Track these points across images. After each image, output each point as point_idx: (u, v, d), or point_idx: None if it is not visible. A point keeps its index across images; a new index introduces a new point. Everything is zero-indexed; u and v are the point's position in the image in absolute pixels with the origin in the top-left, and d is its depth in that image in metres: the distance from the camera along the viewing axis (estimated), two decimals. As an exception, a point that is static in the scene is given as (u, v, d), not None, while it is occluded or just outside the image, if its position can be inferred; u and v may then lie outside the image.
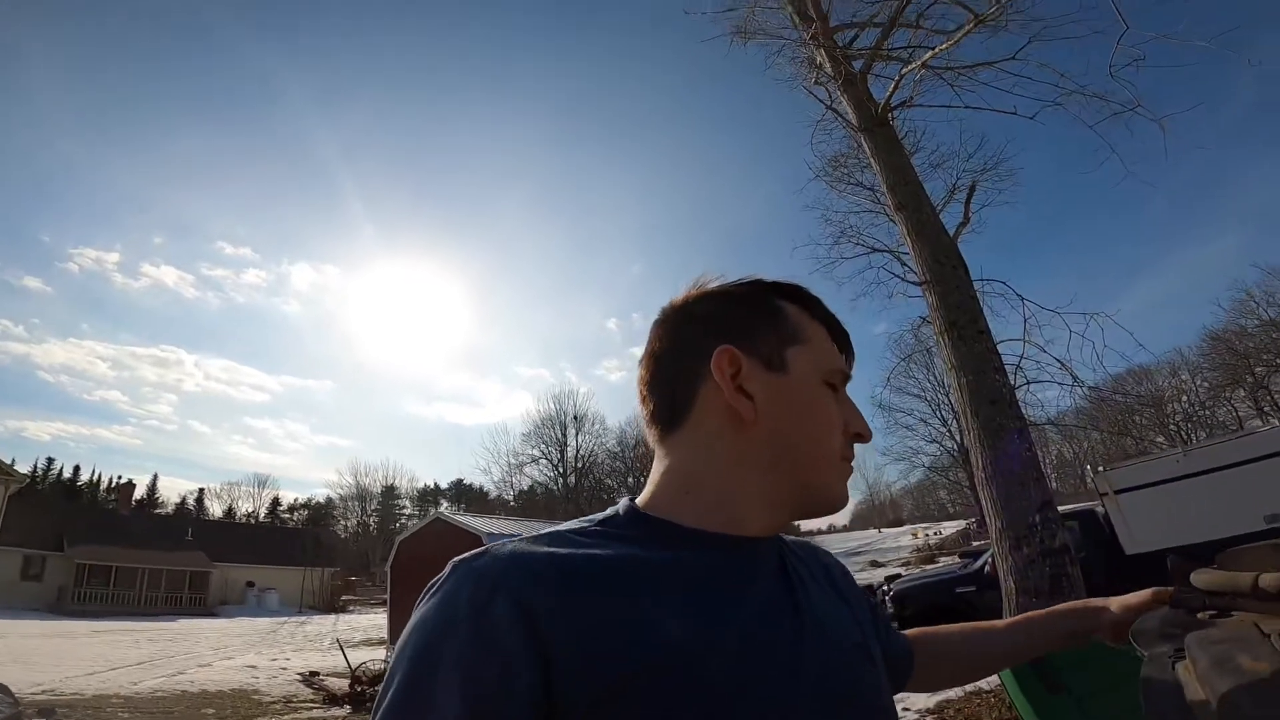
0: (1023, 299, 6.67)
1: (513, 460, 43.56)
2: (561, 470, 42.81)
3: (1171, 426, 36.03)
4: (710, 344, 0.57)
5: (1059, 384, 6.96)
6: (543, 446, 43.04)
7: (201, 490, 60.19)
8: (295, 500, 63.64)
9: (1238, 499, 6.71)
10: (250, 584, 31.09)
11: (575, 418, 43.95)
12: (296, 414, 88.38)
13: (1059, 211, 55.41)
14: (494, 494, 48.74)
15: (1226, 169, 52.80)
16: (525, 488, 45.29)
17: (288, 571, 32.04)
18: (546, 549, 0.48)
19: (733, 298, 0.61)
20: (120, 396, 75.57)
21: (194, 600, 28.01)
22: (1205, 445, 8.02)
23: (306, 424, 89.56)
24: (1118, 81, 5.30)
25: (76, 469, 56.02)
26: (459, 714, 0.40)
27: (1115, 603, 0.75)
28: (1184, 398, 37.08)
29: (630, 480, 46.92)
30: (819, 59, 6.78)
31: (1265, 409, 31.60)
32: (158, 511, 49.52)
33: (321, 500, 61.71)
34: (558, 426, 43.51)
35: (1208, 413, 35.69)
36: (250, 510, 57.86)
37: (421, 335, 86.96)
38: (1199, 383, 36.39)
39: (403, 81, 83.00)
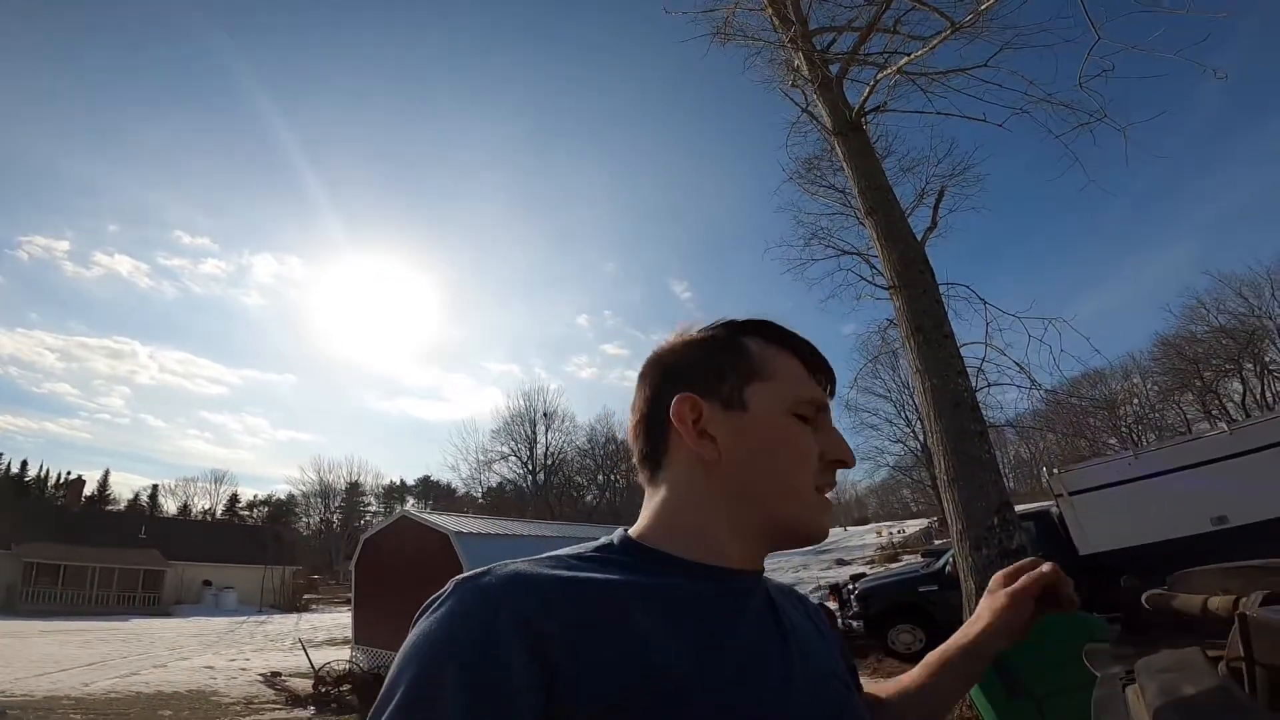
0: (985, 303, 6.89)
1: (481, 457, 43.18)
2: (531, 467, 42.54)
3: (1123, 429, 37.44)
4: (674, 393, 0.61)
5: (1018, 387, 7.21)
6: (512, 443, 42.77)
7: (155, 487, 57.98)
8: (255, 497, 61.91)
9: (1186, 501, 6.96)
10: (207, 583, 30.17)
11: (545, 414, 43.76)
12: (256, 408, 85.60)
13: (1023, 216, 56.76)
14: (462, 491, 48.26)
15: (1184, 178, 54.79)
16: (494, 485, 44.95)
17: (247, 570, 31.19)
18: (549, 571, 0.50)
19: (696, 345, 0.64)
20: (70, 389, 72.14)
21: (148, 599, 27.10)
22: (1155, 448, 8.29)
23: (267, 419, 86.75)
24: (1086, 92, 5.43)
25: (24, 464, 53.30)
26: None
27: (992, 599, 0.74)
28: (1136, 401, 38.57)
29: (600, 478, 46.95)
30: (797, 62, 6.86)
31: (1213, 412, 33.09)
32: (109, 508, 47.62)
33: (282, 497, 60.25)
34: (527, 423, 43.26)
35: (1158, 415, 37.16)
36: (207, 507, 56.14)
37: (388, 329, 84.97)
38: (1150, 386, 37.91)
39: (373, 71, 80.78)
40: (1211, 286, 33.97)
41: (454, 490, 52.17)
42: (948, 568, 7.74)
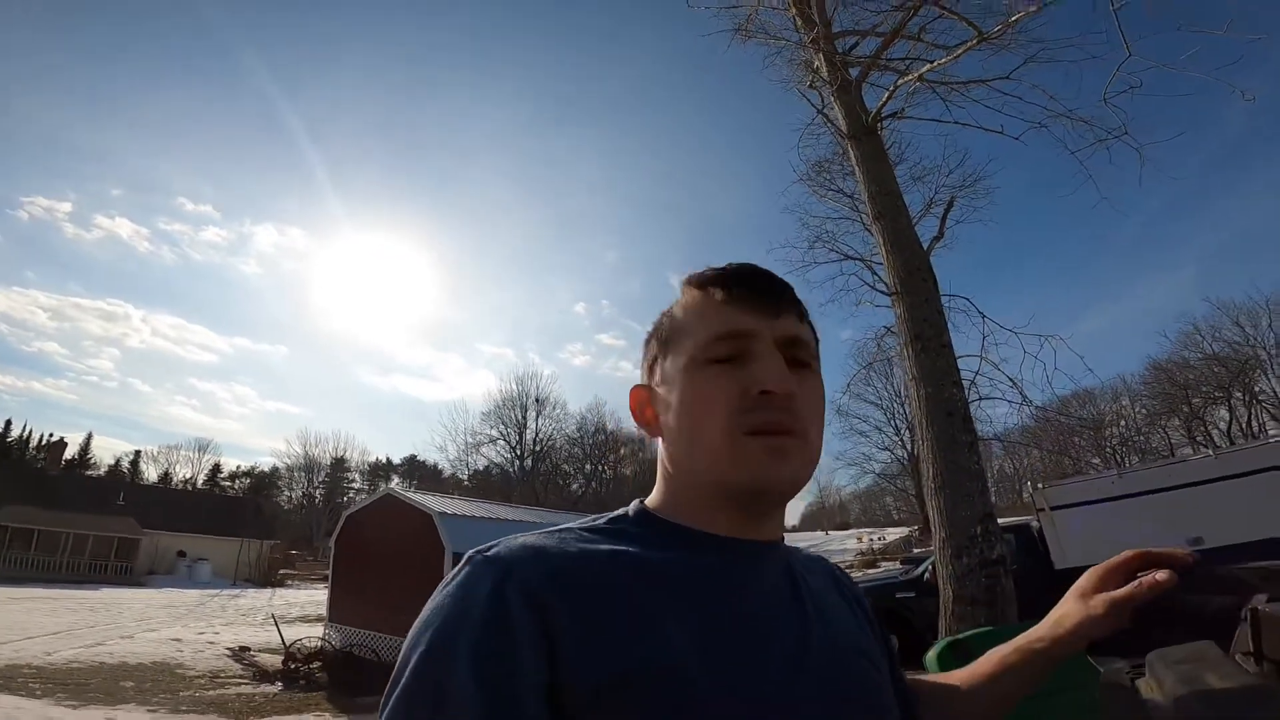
0: (984, 316, 6.86)
1: (470, 439, 43.22)
2: (519, 452, 42.58)
3: (1108, 449, 37.82)
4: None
5: (1009, 401, 7.20)
6: (502, 427, 42.85)
7: (138, 453, 57.34)
8: (238, 468, 61.17)
9: (1164, 522, 7.03)
10: (181, 554, 29.89)
11: (537, 400, 43.85)
12: (246, 378, 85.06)
13: (1029, 230, 57.34)
14: (448, 472, 48.18)
15: (1196, 200, 54.54)
16: (481, 468, 44.90)
17: (223, 542, 30.92)
18: (558, 544, 0.50)
19: (645, 337, 0.65)
20: (59, 349, 71.42)
21: (120, 569, 26.79)
22: (1139, 469, 8.38)
23: (256, 389, 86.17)
24: (1109, 107, 5.35)
25: (8, 424, 52.55)
26: (473, 699, 0.41)
27: (1085, 604, 0.63)
28: (1122, 422, 38.98)
29: (588, 468, 47.00)
30: (817, 63, 6.79)
31: (1198, 438, 33.46)
32: (89, 473, 47.16)
33: (266, 469, 59.66)
34: (519, 408, 43.33)
35: (1143, 439, 37.59)
36: (188, 476, 55.63)
37: (384, 305, 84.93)
38: (1138, 409, 38.35)
39: (382, 50, 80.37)
40: (1209, 313, 34.38)
41: (440, 471, 52.10)
42: (926, 575, 7.76)
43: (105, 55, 68.77)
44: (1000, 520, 6.64)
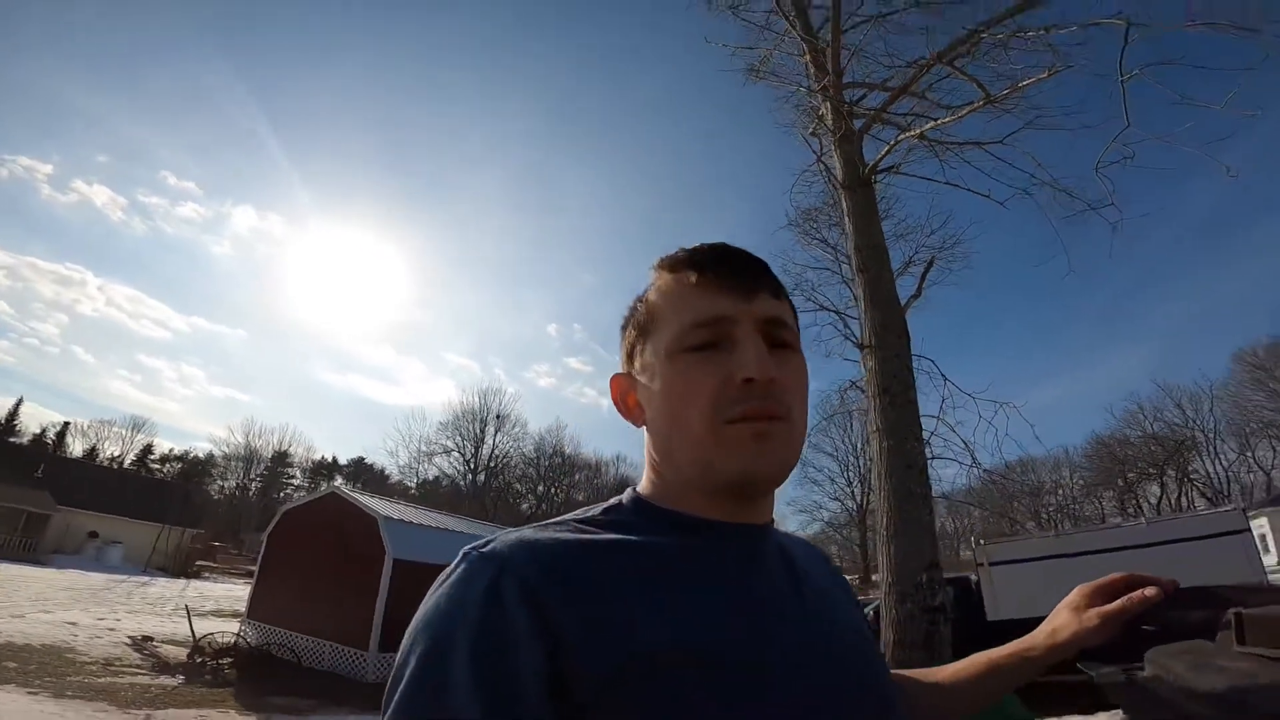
0: (945, 379, 7.09)
1: (425, 447, 42.18)
2: (473, 466, 41.77)
3: (1044, 515, 39.19)
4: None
5: (960, 463, 7.41)
6: (458, 439, 42.04)
7: (66, 425, 53.84)
8: (170, 451, 58.19)
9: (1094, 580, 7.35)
10: (93, 534, 27.99)
11: (498, 416, 43.24)
12: (197, 359, 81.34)
13: (997, 295, 59.22)
14: (396, 478, 46.76)
15: (1154, 280, 57.67)
16: (431, 478, 43.74)
17: (142, 526, 29.09)
18: (554, 536, 0.50)
19: (622, 324, 0.64)
20: (5, 308, 67.61)
21: (24, 545, 24.84)
22: (1075, 532, 8.73)
23: (205, 371, 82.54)
24: (1099, 177, 5.47)
25: (-66, 379, 48.93)
26: (474, 695, 0.40)
27: (1078, 616, 0.67)
28: (1060, 491, 40.58)
29: (540, 489, 46.26)
30: (823, 110, 6.92)
31: (1129, 510, 35.03)
32: (12, 440, 44.06)
33: (201, 455, 56.98)
34: (479, 421, 42.69)
35: (1077, 507, 39.16)
36: (116, 454, 52.55)
37: (353, 301, 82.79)
38: (1076, 480, 40.01)
39: (388, 47, 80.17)
40: (1154, 394, 36.56)
41: (387, 476, 50.56)
42: (869, 618, 7.86)
43: (108, 20, 67.67)
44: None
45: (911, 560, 5.37)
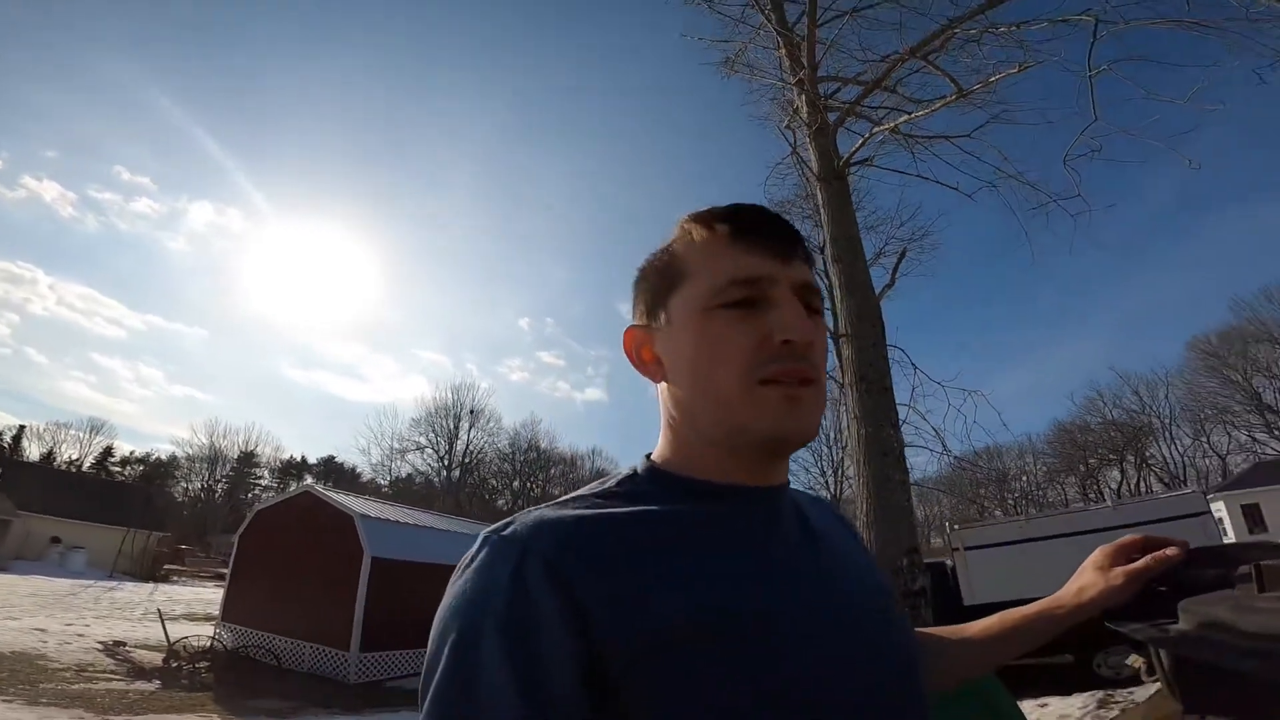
0: (915, 368, 7.28)
1: (397, 445, 41.58)
2: (447, 463, 41.34)
3: (1009, 501, 40.36)
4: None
5: (930, 450, 7.62)
6: (431, 435, 41.57)
7: (22, 428, 51.65)
8: (131, 453, 56.01)
9: (1063, 563, 7.53)
10: (55, 539, 27.03)
11: (472, 411, 42.81)
12: (154, 358, 78.31)
13: (965, 286, 60.79)
14: (368, 477, 46.02)
15: (1114, 270, 58.97)
16: (404, 475, 43.14)
17: (105, 531, 28.17)
18: (572, 512, 0.49)
19: (645, 269, 0.62)
20: (-46, 309, 64.26)
21: (-18, 551, 23.97)
22: (1044, 516, 9.00)
23: (164, 370, 79.69)
24: (1067, 170, 5.67)
25: None
26: (507, 680, 0.40)
27: (1104, 575, 0.70)
28: (1024, 477, 41.83)
29: (515, 484, 45.98)
30: (798, 104, 7.01)
31: (1090, 495, 36.38)
32: (-40, 444, 42.19)
33: (164, 458, 55.09)
34: (452, 417, 42.14)
35: (1041, 493, 40.41)
36: (75, 457, 50.68)
37: (318, 297, 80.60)
38: (1039, 467, 41.27)
39: (360, 39, 77.96)
40: (1112, 382, 38.02)
41: (359, 475, 49.62)
42: None
43: (60, 16, 64.09)
44: (919, 559, 7.02)
45: (891, 546, 5.47)
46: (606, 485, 0.55)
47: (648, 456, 0.59)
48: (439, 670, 0.42)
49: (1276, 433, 32.80)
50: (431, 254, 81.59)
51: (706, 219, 0.57)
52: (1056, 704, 3.93)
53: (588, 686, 0.42)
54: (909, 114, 6.41)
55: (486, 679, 0.41)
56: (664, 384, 0.58)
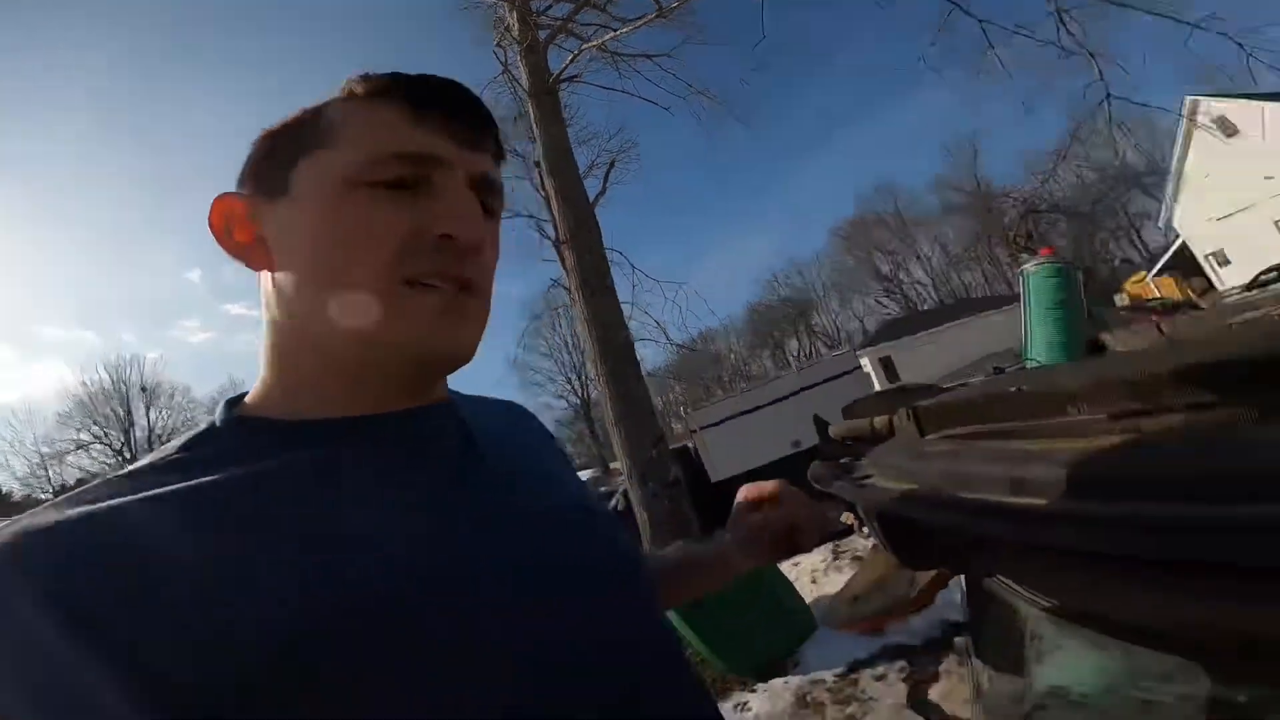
0: (634, 267, 8.09)
1: (47, 449, 32.19)
2: (129, 454, 33.28)
3: (725, 379, 48.29)
4: None
5: (655, 341, 8.73)
6: (95, 428, 32.85)
7: None
8: None
9: (774, 431, 8.99)
10: None
11: (144, 389, 34.64)
12: None
13: (665, 190, 71.59)
14: (20, 493, 34.94)
15: (789, 171, 78.23)
16: (74, 480, 33.67)
17: None
18: (99, 507, 0.34)
19: (261, 134, 0.46)
20: None
21: None
22: (750, 388, 10.64)
23: None
24: (743, 84, 7.06)
25: None
26: None
27: (742, 529, 0.68)
28: (733, 356, 50.55)
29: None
30: (510, 21, 6.86)
31: (779, 365, 45.81)
32: None
33: None
34: (116, 402, 33.61)
35: (747, 368, 49.33)
36: None
37: None
38: (741, 345, 50.45)
39: None
40: (784, 267, 48.39)
41: (8, 494, 37.26)
42: (618, 505, 8.64)
43: None
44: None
45: (640, 439, 6.04)
46: (166, 453, 0.39)
47: (229, 404, 0.44)
48: None
49: (893, 296, 44.99)
50: (47, 213, 60.41)
51: (378, 85, 0.44)
52: (806, 561, 4.76)
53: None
54: (615, 31, 6.67)
55: None
56: (268, 276, 0.44)
